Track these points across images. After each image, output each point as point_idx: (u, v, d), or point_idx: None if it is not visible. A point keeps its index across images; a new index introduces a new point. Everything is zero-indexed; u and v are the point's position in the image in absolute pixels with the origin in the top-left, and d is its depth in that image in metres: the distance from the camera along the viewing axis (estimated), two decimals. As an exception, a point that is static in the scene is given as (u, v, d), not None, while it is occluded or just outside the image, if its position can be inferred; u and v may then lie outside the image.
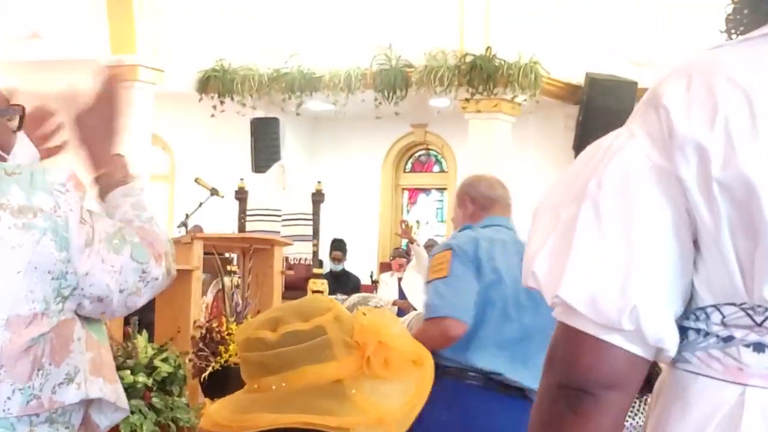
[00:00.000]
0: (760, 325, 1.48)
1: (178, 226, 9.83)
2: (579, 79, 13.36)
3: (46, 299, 2.09)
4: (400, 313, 12.12)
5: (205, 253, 7.01)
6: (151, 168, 13.53)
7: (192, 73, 14.25)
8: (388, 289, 12.86)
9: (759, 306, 1.48)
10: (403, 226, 11.35)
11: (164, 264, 2.33)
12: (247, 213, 11.16)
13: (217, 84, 14.20)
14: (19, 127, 2.38)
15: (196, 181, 10.29)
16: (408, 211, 17.36)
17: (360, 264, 14.62)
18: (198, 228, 11.09)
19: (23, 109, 2.38)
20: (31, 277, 2.07)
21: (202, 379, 6.27)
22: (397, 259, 13.12)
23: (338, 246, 13.77)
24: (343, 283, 12.66)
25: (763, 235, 1.44)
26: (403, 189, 17.36)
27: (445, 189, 16.92)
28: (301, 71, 13.71)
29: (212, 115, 14.05)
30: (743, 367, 1.49)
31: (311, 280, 9.89)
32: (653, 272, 1.50)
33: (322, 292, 9.30)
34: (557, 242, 1.55)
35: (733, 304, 1.50)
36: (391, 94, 13.07)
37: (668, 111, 1.51)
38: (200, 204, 9.83)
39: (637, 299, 1.48)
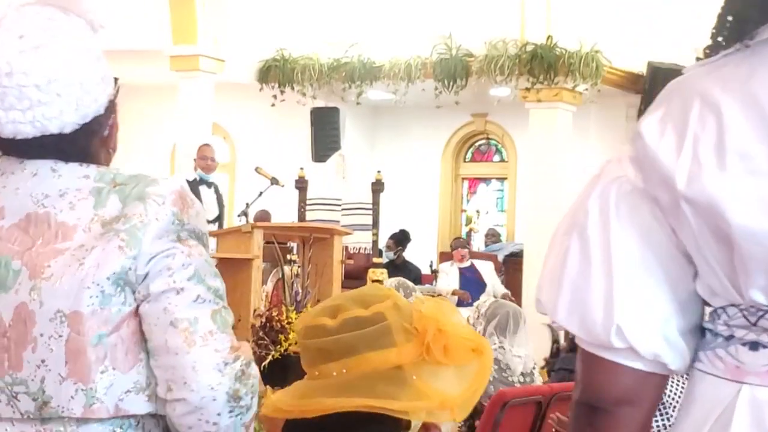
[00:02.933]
0: (754, 324, 1.53)
1: (239, 215, 9.89)
2: (641, 68, 13.26)
3: (105, 294, 2.07)
4: (459, 303, 12.12)
5: (265, 242, 7.04)
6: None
7: (253, 62, 14.30)
8: (448, 279, 12.85)
9: (752, 307, 1.53)
10: None
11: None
12: (307, 202, 11.19)
13: (277, 74, 14.25)
14: (115, 96, 2.32)
15: (256, 170, 10.34)
16: (468, 201, 17.33)
17: (420, 253, 14.62)
18: (265, 213, 11.14)
19: (116, 79, 2.32)
20: (93, 276, 2.06)
21: (262, 368, 6.30)
22: (459, 249, 13.09)
23: (392, 235, 13.80)
24: (402, 272, 12.66)
25: (735, 245, 1.49)
26: (463, 178, 17.32)
27: (505, 179, 16.86)
28: (361, 60, 13.72)
29: (273, 105, 14.09)
30: (740, 366, 1.54)
31: (371, 270, 9.89)
32: (634, 291, 1.58)
33: (381, 281, 9.29)
34: (555, 270, 1.66)
35: (734, 306, 1.56)
36: (451, 84, 13.04)
37: (643, 136, 1.58)
38: (260, 193, 9.88)
39: (620, 318, 1.57)
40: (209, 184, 10.32)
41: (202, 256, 2.15)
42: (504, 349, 6.64)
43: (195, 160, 10.79)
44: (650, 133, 1.58)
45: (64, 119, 2.11)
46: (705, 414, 1.56)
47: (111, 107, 2.23)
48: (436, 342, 2.29)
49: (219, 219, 10.33)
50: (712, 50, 1.60)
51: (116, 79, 2.31)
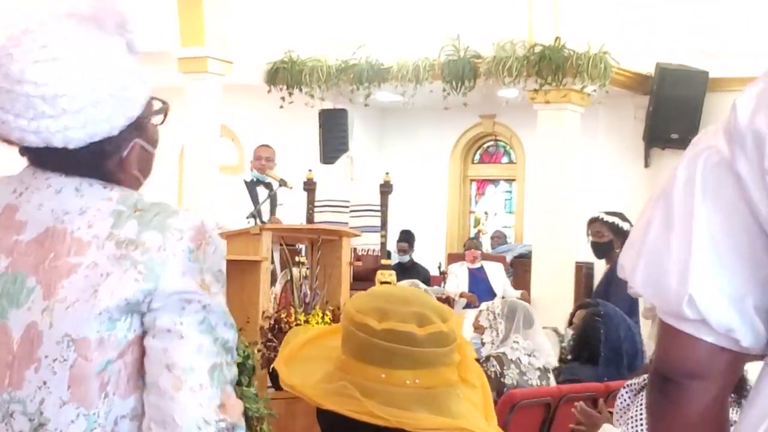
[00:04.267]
0: None
1: (247, 217, 9.89)
2: (649, 69, 13.25)
3: (112, 319, 2.07)
4: (466, 305, 12.11)
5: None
6: (219, 159, 13.62)
7: (261, 64, 14.31)
8: (457, 281, 12.85)
9: None
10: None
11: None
12: (316, 204, 11.17)
13: (285, 75, 14.25)
14: (163, 122, 2.33)
15: (265, 172, 10.35)
16: (476, 203, 17.32)
17: (428, 255, 14.61)
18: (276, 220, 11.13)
19: (168, 106, 2.33)
20: (105, 303, 2.06)
21: (270, 370, 6.30)
22: (472, 250, 13.08)
23: (404, 237, 13.78)
24: (411, 274, 12.65)
25: None
26: (471, 180, 17.30)
27: (513, 180, 16.85)
28: (369, 62, 13.72)
29: (281, 107, 14.10)
30: None
31: (379, 271, 9.88)
32: (711, 262, 1.55)
33: (390, 283, 9.28)
34: (638, 236, 1.65)
35: None
36: (459, 85, 13.04)
37: (736, 108, 1.55)
38: (269, 195, 9.89)
39: (693, 288, 1.55)
40: (267, 185, 10.31)
41: (220, 307, 2.13)
42: (525, 349, 6.65)
43: (251, 161, 10.78)
44: (744, 105, 1.55)
45: (68, 135, 2.09)
46: (766, 407, 1.55)
47: (133, 130, 2.20)
48: (472, 364, 2.32)
49: (270, 217, 10.31)
50: None
51: (164, 103, 2.30)
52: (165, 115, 2.31)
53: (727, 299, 1.55)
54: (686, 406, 1.60)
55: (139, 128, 2.22)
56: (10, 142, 2.15)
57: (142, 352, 2.11)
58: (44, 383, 2.07)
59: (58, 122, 2.09)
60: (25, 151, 2.19)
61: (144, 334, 2.10)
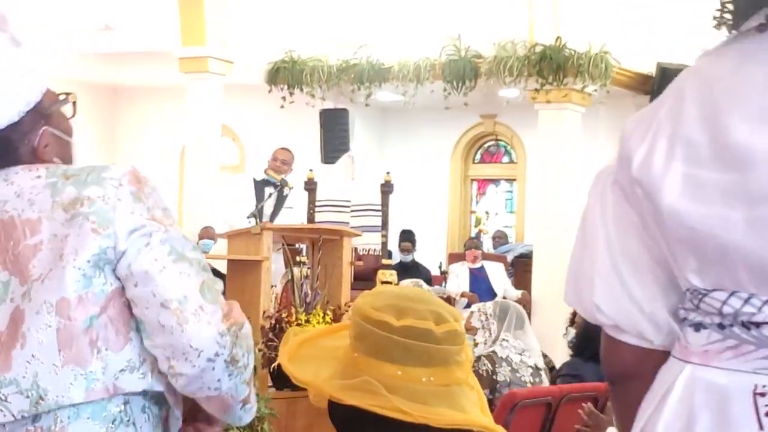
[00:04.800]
0: (697, 307, 1.60)
1: (248, 217, 9.89)
2: (650, 69, 13.25)
3: (86, 276, 2.12)
4: (467, 305, 12.11)
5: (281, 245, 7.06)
6: (220, 159, 13.62)
7: (262, 64, 14.30)
8: (458, 280, 12.84)
9: (695, 290, 1.61)
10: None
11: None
12: (316, 204, 11.18)
13: (286, 75, 14.24)
14: (73, 114, 2.43)
15: (265, 172, 10.35)
16: (477, 202, 17.32)
17: (429, 255, 14.61)
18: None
19: (74, 96, 2.42)
20: (74, 262, 2.11)
21: (271, 369, 6.31)
22: (472, 250, 13.09)
23: (407, 237, 13.78)
24: (412, 273, 12.65)
25: (666, 227, 1.59)
26: (472, 180, 17.30)
27: (514, 180, 16.85)
28: (370, 62, 13.71)
29: (282, 107, 14.09)
30: (687, 346, 1.62)
31: (380, 271, 9.89)
32: (611, 273, 1.70)
33: (391, 282, 9.29)
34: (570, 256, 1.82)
35: (687, 290, 1.64)
36: (460, 85, 13.03)
37: (624, 128, 1.71)
38: (270, 195, 9.89)
39: (598, 298, 1.71)
40: (275, 185, 10.31)
41: (179, 235, 2.22)
42: (515, 348, 6.67)
43: (268, 160, 10.78)
44: (630, 124, 1.70)
45: None
46: (658, 390, 1.64)
47: (39, 119, 2.30)
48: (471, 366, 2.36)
49: (271, 217, 10.31)
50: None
51: (68, 95, 2.40)
52: (74, 107, 2.41)
53: (630, 303, 1.69)
54: (633, 406, 1.70)
55: (45, 116, 2.32)
56: None
57: (125, 305, 2.17)
58: (33, 356, 2.10)
59: None
60: None
61: (122, 287, 2.16)
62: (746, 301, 1.54)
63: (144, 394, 2.20)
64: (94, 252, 2.11)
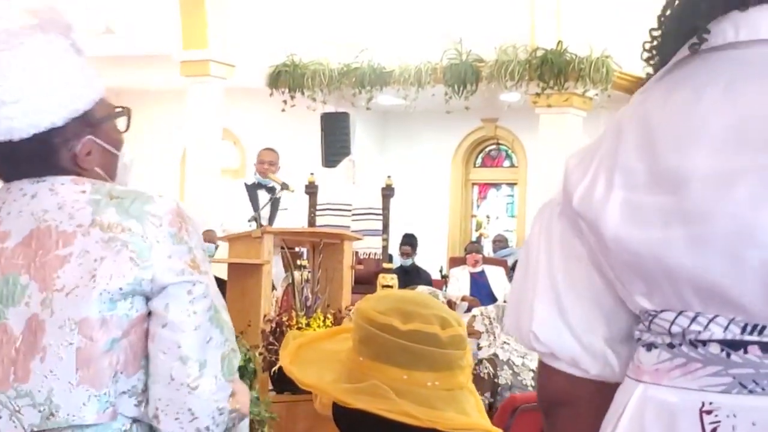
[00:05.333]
0: (648, 328, 1.61)
1: (249, 220, 9.88)
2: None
3: (113, 300, 2.11)
4: (469, 309, 12.09)
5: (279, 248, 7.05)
6: (221, 162, 13.62)
7: (263, 68, 14.31)
8: (458, 285, 12.83)
9: (645, 312, 1.62)
10: None
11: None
12: (317, 207, 11.17)
13: (287, 79, 14.25)
14: (127, 128, 2.42)
15: (266, 175, 10.34)
16: (478, 206, 17.32)
17: (429, 259, 14.61)
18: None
19: (129, 111, 2.42)
20: (106, 286, 2.10)
21: (271, 373, 6.30)
22: (473, 254, 13.08)
23: (408, 241, 13.77)
24: (413, 278, 12.64)
25: (611, 254, 1.62)
26: (473, 184, 17.31)
27: (515, 184, 16.85)
28: (371, 66, 13.72)
29: (283, 110, 14.10)
30: (640, 365, 1.63)
31: (381, 275, 9.87)
32: (551, 301, 1.71)
33: (392, 286, 9.28)
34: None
35: (639, 311, 1.65)
36: (461, 89, 13.03)
37: (567, 162, 1.75)
38: (271, 198, 9.88)
39: (535, 326, 1.71)
40: (269, 189, 10.28)
41: (215, 287, 2.20)
42: (517, 351, 6.66)
43: (254, 164, 10.76)
44: (572, 160, 1.74)
45: (10, 125, 2.17)
46: (614, 411, 1.65)
47: (84, 126, 2.28)
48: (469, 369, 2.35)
49: (269, 221, 10.28)
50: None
51: (125, 109, 2.40)
52: (129, 120, 2.40)
53: (568, 333, 1.70)
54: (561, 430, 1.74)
55: (92, 126, 2.29)
56: None
57: (144, 334, 2.15)
58: (50, 371, 2.09)
59: None
60: None
61: (147, 313, 2.15)
62: (693, 320, 1.56)
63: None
64: (129, 281, 2.10)
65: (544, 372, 1.75)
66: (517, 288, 1.79)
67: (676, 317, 1.57)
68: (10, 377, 2.12)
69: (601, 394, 1.71)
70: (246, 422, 2.28)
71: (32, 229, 2.18)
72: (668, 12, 1.71)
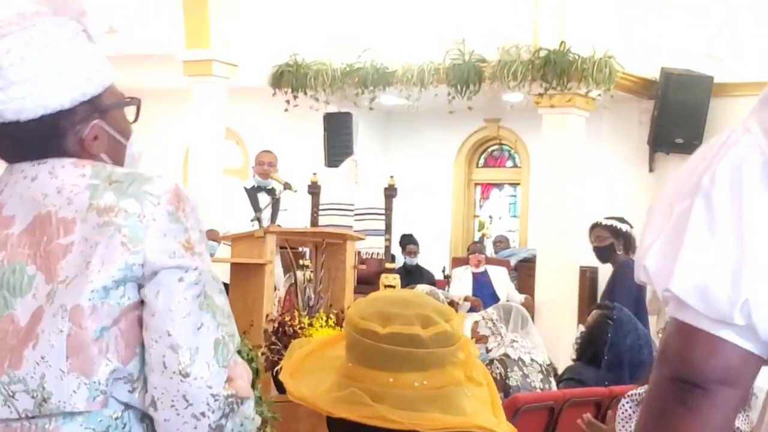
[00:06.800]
0: None
1: (252, 220, 9.89)
2: (654, 74, 13.24)
3: (105, 288, 2.11)
4: (471, 309, 12.10)
5: (280, 248, 7.05)
6: (224, 162, 13.62)
7: (266, 68, 14.32)
8: (461, 285, 12.84)
9: None
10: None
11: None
12: (320, 207, 11.19)
13: (290, 79, 14.26)
14: (136, 119, 2.44)
15: (267, 177, 10.34)
16: (480, 207, 17.31)
17: (432, 259, 14.61)
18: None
19: (139, 101, 2.44)
20: (98, 273, 2.10)
21: (274, 373, 6.31)
22: (476, 254, 13.08)
23: (408, 240, 13.77)
24: (415, 278, 12.65)
25: None
26: (476, 184, 17.29)
27: (518, 184, 16.83)
28: (374, 66, 13.72)
29: (286, 110, 14.11)
30: None
31: (383, 275, 9.88)
32: (765, 266, 1.49)
33: (394, 286, 9.28)
34: (669, 236, 1.55)
35: None
36: (464, 89, 13.03)
37: None
38: (273, 198, 9.89)
39: (749, 293, 1.48)
40: (269, 191, 10.27)
41: (209, 272, 2.19)
42: (524, 347, 6.67)
43: (253, 167, 10.74)
44: None
45: (19, 105, 2.18)
46: None
47: (93, 111, 2.29)
48: (476, 361, 2.32)
49: (271, 221, 10.27)
50: None
51: (135, 99, 2.43)
52: (138, 111, 2.42)
53: None
54: (709, 414, 1.54)
55: (101, 111, 2.31)
56: None
57: (137, 319, 2.16)
58: (42, 358, 2.11)
59: (7, 93, 2.18)
60: None
61: (139, 302, 2.15)
62: None
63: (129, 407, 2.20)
64: (120, 267, 2.10)
65: (711, 346, 1.53)
66: (701, 246, 1.52)
67: None
68: (5, 363, 2.13)
69: (756, 374, 1.57)
70: (250, 402, 2.23)
71: (35, 215, 2.19)
72: None
